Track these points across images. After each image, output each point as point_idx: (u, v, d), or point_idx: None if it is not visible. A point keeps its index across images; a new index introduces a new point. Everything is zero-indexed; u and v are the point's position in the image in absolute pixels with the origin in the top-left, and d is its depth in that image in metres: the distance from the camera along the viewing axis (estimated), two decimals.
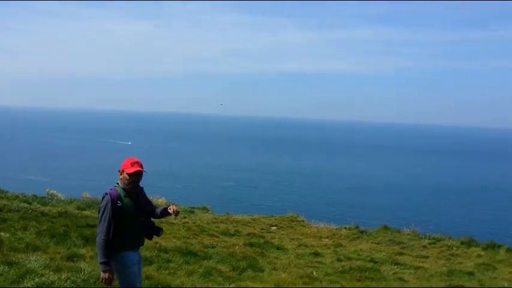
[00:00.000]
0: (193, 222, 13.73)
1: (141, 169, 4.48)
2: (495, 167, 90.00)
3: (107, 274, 4.32)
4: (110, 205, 4.37)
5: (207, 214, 17.04)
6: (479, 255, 11.78)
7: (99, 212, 4.45)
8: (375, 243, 13.36)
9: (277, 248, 10.95)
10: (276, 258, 9.82)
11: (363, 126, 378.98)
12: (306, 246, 11.86)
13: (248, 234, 12.57)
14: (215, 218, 15.62)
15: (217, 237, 11.79)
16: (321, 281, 7.62)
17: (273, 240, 11.96)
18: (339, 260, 9.85)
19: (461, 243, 13.11)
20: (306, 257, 10.16)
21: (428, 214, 40.73)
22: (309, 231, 14.78)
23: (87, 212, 13.26)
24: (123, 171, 4.50)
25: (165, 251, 8.50)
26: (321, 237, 13.82)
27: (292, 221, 16.73)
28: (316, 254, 10.55)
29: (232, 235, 12.34)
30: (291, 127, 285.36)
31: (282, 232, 14.43)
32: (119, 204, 4.40)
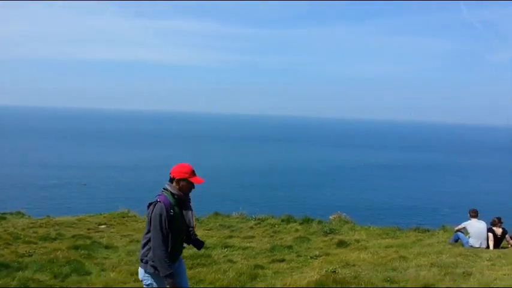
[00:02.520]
0: (5, 230, 12.02)
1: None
2: (307, 151, 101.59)
3: (174, 285, 4.03)
4: (165, 214, 4.03)
5: (22, 219, 15.11)
6: (297, 230, 13.26)
7: (151, 222, 4.04)
8: (207, 229, 13.81)
9: (106, 248, 10.37)
10: (105, 258, 9.31)
11: (187, 117, 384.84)
12: (138, 241, 11.52)
13: (73, 237, 11.58)
14: (32, 223, 13.94)
15: (36, 243, 10.54)
16: None
17: (101, 240, 11.27)
18: None
19: (282, 220, 14.55)
20: (138, 253, 9.86)
21: (255, 197, 43.94)
22: (141, 226, 14.39)
23: None
24: (184, 178, 4.19)
25: None
26: None
27: (124, 217, 16.07)
28: None
29: (54, 239, 11.20)
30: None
31: (112, 230, 13.73)
32: (171, 213, 4.08)
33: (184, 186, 4.21)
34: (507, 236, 10.52)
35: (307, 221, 14.14)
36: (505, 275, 7.06)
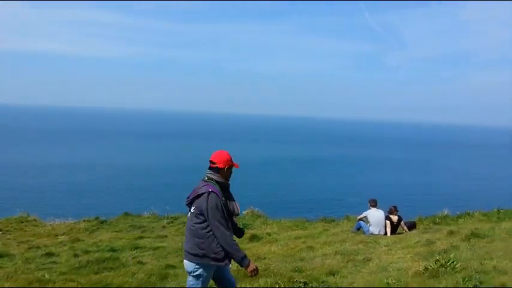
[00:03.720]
0: None
1: None
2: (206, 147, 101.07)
3: (253, 264, 4.10)
4: (220, 203, 4.06)
5: None
6: None
7: (206, 213, 4.01)
8: (116, 231, 13.23)
9: (0, 256, 9.44)
10: None
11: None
12: (38, 247, 10.68)
13: None
14: None
15: None
16: (55, 282, 7.00)
17: None
18: (75, 255, 9.25)
19: None
20: (38, 260, 9.13)
21: (168, 194, 43.01)
22: (42, 231, 13.39)
23: None
24: (228, 166, 4.26)
25: None
26: (57, 235, 12.71)
27: (22, 222, 14.82)
28: (50, 254, 9.61)
29: None
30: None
31: (8, 236, 12.57)
32: (223, 202, 4.10)
33: (227, 173, 4.29)
34: (402, 222, 11.50)
35: None
36: (399, 258, 7.71)
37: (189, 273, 4.19)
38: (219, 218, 4.03)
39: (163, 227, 13.73)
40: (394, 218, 11.42)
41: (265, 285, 6.15)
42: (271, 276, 6.59)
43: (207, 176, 4.26)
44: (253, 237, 11.06)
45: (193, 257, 4.11)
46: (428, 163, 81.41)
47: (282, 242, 10.10)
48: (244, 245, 10.32)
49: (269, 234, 11.63)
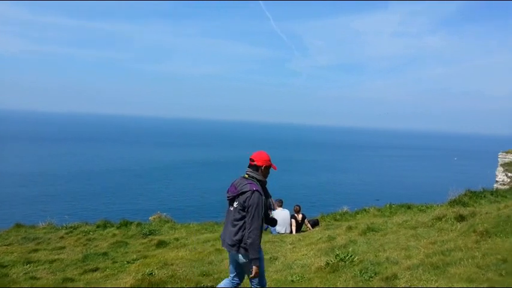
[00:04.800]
0: None
1: None
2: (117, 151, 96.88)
3: (257, 269, 4.40)
4: (261, 202, 4.34)
5: None
6: (114, 234, 12.58)
7: (249, 208, 4.32)
8: (6, 245, 11.95)
9: None
10: None
11: None
12: None
13: None
14: None
15: None
16: None
17: None
18: None
19: (98, 226, 13.61)
20: None
21: (64, 203, 40.18)
22: None
23: None
24: (268, 166, 4.56)
25: None
26: None
27: None
28: None
29: None
30: None
31: None
32: (263, 200, 4.37)
33: (267, 172, 4.59)
34: (306, 220, 12.01)
35: (125, 224, 13.55)
36: (303, 255, 8.02)
37: (244, 263, 4.55)
38: (257, 216, 4.35)
39: (61, 237, 12.72)
40: (299, 217, 11.88)
41: None
42: (178, 282, 6.44)
43: (247, 174, 4.57)
44: (161, 243, 10.72)
45: (237, 247, 4.50)
46: (328, 164, 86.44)
47: (190, 247, 9.94)
48: (150, 251, 9.98)
49: (177, 239, 11.37)
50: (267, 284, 6.09)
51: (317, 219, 12.77)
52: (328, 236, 9.48)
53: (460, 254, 6.04)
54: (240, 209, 4.41)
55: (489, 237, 6.80)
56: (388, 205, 14.46)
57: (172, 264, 8.06)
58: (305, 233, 11.38)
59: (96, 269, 8.44)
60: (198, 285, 6.04)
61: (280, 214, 11.68)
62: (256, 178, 4.50)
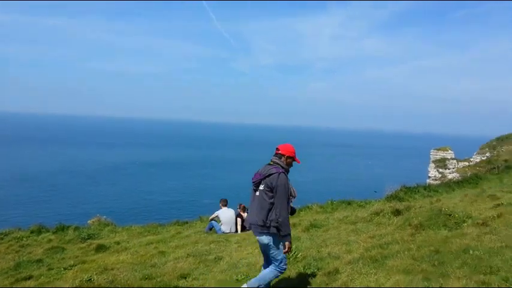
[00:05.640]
0: None
1: None
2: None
3: (290, 244, 4.72)
4: (287, 183, 4.64)
5: None
6: (50, 240, 11.94)
7: (275, 189, 4.58)
8: None
9: None
10: None
11: None
12: None
13: None
14: None
15: None
16: None
17: None
18: None
19: (32, 232, 12.87)
20: None
21: None
22: None
23: None
24: (292, 157, 4.86)
25: None
26: None
27: None
28: None
29: None
30: None
31: None
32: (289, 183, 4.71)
33: (290, 163, 4.88)
34: None
35: (62, 228, 12.91)
36: (248, 253, 8.03)
37: (267, 245, 4.74)
38: (285, 195, 4.61)
39: None
40: (244, 215, 11.90)
41: None
42: (118, 287, 6.20)
43: (272, 161, 4.86)
44: (100, 248, 10.30)
45: (266, 228, 4.65)
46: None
47: (132, 250, 9.62)
48: (89, 256, 9.55)
49: (118, 242, 10.97)
50: (213, 284, 6.03)
51: None
52: None
53: (397, 247, 6.32)
54: (267, 190, 4.68)
55: (423, 229, 7.19)
56: (329, 201, 14.84)
57: (112, 269, 7.75)
58: (250, 231, 11.41)
59: (29, 277, 7.93)
60: None
61: (226, 213, 11.63)
62: (280, 165, 4.81)
